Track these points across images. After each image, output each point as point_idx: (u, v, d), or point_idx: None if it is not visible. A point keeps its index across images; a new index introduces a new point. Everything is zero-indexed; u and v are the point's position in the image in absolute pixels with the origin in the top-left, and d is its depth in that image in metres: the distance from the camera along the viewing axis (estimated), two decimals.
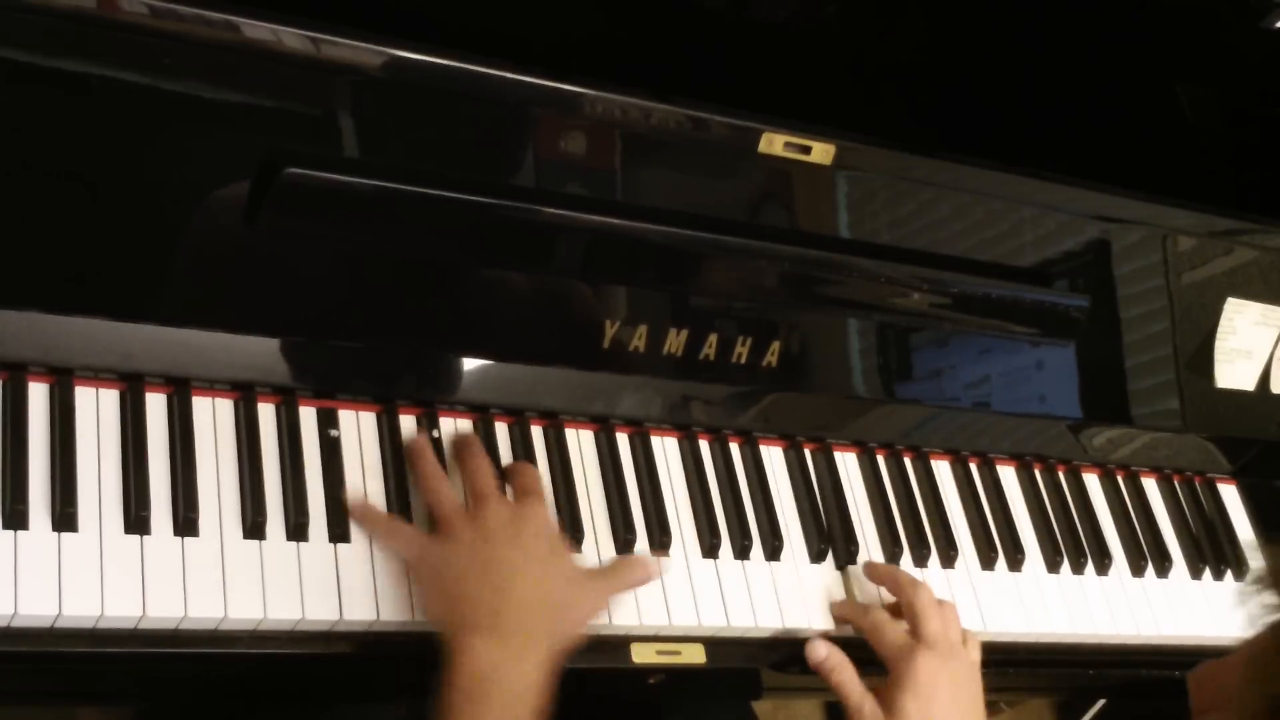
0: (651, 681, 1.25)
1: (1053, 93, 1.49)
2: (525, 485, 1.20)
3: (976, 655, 1.30)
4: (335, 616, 1.12)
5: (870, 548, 1.38)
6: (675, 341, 1.28)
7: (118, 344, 1.11)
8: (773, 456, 1.39)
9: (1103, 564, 1.49)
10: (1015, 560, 1.44)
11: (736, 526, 1.32)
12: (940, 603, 1.28)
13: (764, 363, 1.32)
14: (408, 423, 1.23)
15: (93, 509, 1.08)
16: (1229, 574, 1.56)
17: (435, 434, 1.23)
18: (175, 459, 1.12)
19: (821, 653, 1.27)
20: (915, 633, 1.26)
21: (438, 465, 1.19)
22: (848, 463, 1.42)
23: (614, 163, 1.21)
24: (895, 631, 1.26)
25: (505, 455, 1.26)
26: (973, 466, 1.48)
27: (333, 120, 1.11)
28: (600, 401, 1.30)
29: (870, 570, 1.34)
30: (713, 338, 1.29)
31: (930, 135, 1.32)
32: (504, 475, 1.23)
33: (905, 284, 1.35)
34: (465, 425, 1.25)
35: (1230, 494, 1.64)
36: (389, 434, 1.21)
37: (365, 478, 1.19)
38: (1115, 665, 1.50)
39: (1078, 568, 1.48)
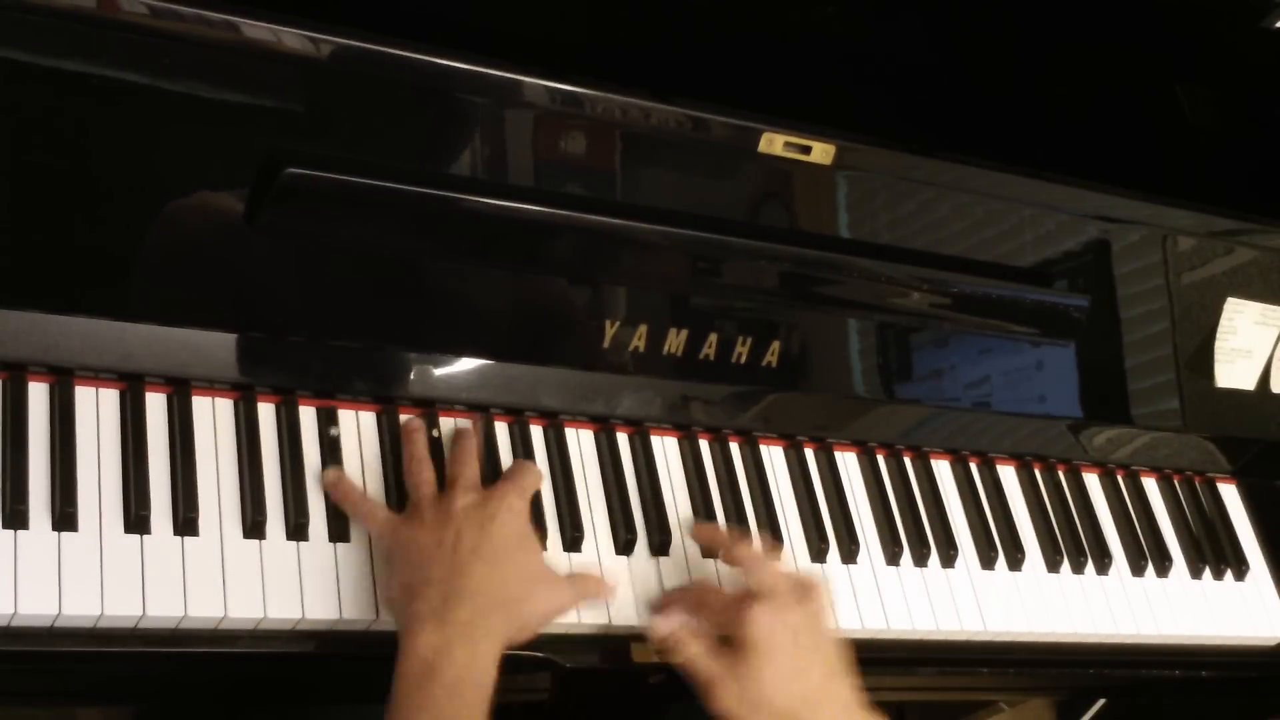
0: (651, 681, 1.25)
1: (1053, 92, 1.49)
2: (509, 475, 1.21)
3: (821, 603, 1.21)
4: (335, 616, 1.12)
5: (870, 547, 1.38)
6: (675, 341, 1.28)
7: (118, 344, 1.11)
8: (773, 456, 1.39)
9: (1103, 564, 1.49)
10: (1015, 560, 1.44)
11: (736, 526, 1.32)
12: (762, 556, 1.24)
13: (764, 363, 1.32)
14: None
15: (93, 509, 1.08)
16: (1229, 574, 1.56)
17: (435, 433, 1.23)
18: (175, 459, 1.12)
19: (665, 628, 1.18)
20: (747, 588, 1.20)
21: (424, 449, 1.20)
22: (848, 462, 1.42)
23: (614, 163, 1.21)
24: (720, 596, 1.21)
25: (505, 455, 1.26)
26: (973, 466, 1.48)
27: (333, 120, 1.11)
28: (600, 401, 1.30)
29: (696, 533, 1.30)
30: (713, 338, 1.29)
31: (930, 135, 1.32)
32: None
33: (905, 284, 1.35)
34: (465, 425, 1.25)
35: (1230, 494, 1.64)
36: (389, 434, 1.22)
37: (365, 477, 1.19)
38: (1115, 665, 1.50)
39: (1078, 567, 1.48)
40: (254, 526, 1.12)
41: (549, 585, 1.17)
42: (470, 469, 1.19)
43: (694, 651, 1.17)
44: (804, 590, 1.19)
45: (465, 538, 1.12)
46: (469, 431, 1.23)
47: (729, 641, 1.16)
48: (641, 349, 1.27)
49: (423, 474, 1.18)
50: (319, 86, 1.09)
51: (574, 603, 1.19)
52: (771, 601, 1.17)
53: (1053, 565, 1.46)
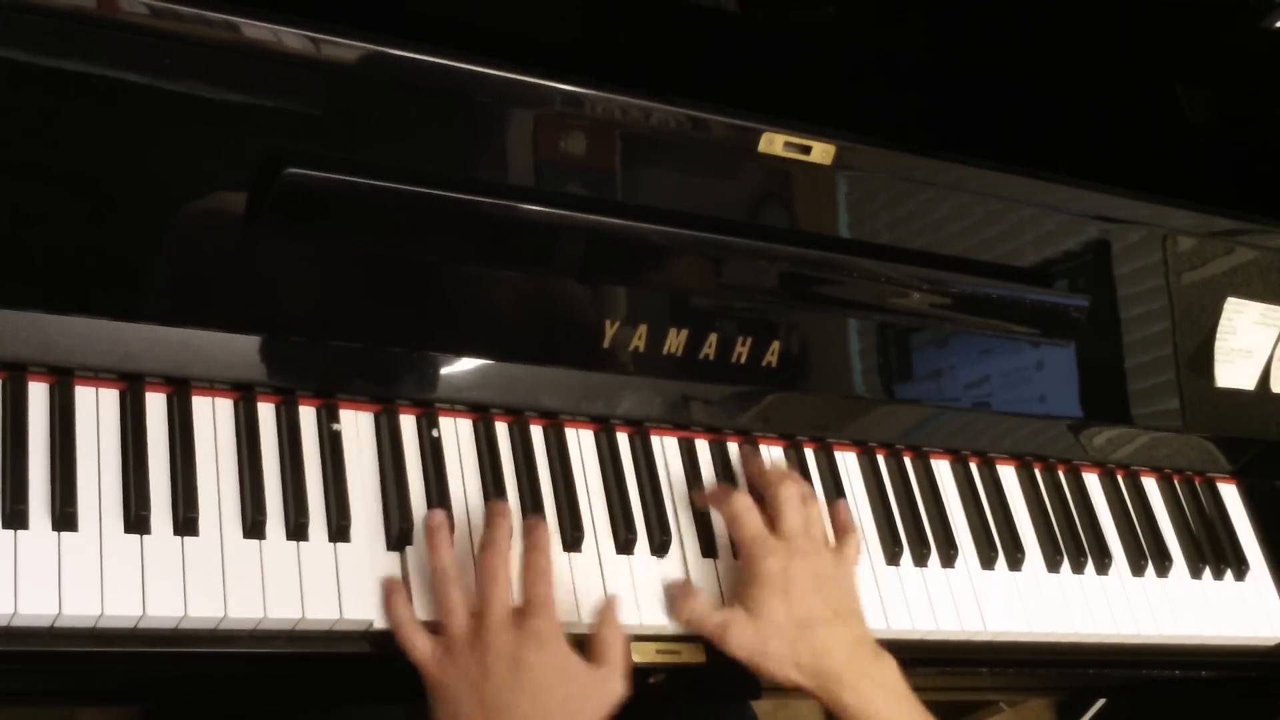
0: (651, 681, 1.25)
1: (1053, 92, 1.49)
2: (533, 594, 1.14)
3: (852, 554, 1.29)
4: (335, 616, 1.12)
5: (870, 547, 1.38)
6: (675, 341, 1.28)
7: (118, 344, 1.11)
8: (773, 456, 1.39)
9: (1103, 563, 1.49)
10: (1015, 560, 1.44)
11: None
12: (805, 499, 1.27)
13: (764, 363, 1.32)
14: (408, 423, 1.23)
15: (93, 509, 1.08)
16: (1229, 574, 1.56)
17: (435, 433, 1.23)
18: (175, 459, 1.12)
19: (679, 599, 1.22)
20: (774, 526, 1.24)
21: (449, 561, 1.14)
22: (848, 462, 1.42)
23: (614, 163, 1.21)
24: (754, 521, 1.23)
25: (505, 455, 1.26)
26: (973, 466, 1.48)
27: (333, 120, 1.11)
28: (600, 401, 1.30)
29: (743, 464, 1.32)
30: (713, 338, 1.29)
31: (930, 135, 1.32)
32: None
33: (905, 284, 1.35)
34: (465, 425, 1.25)
35: (1230, 494, 1.64)
36: (389, 434, 1.22)
37: (364, 478, 1.19)
38: (1115, 665, 1.50)
39: (1078, 567, 1.48)
40: (254, 526, 1.12)
41: (597, 694, 1.14)
42: (500, 596, 1.12)
43: (698, 605, 1.20)
44: (840, 535, 1.30)
45: (506, 695, 1.08)
46: (500, 531, 1.15)
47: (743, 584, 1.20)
48: (641, 349, 1.27)
49: (452, 597, 1.12)
50: (319, 87, 1.09)
51: (623, 682, 1.15)
52: (791, 542, 1.20)
53: (1053, 565, 1.46)
